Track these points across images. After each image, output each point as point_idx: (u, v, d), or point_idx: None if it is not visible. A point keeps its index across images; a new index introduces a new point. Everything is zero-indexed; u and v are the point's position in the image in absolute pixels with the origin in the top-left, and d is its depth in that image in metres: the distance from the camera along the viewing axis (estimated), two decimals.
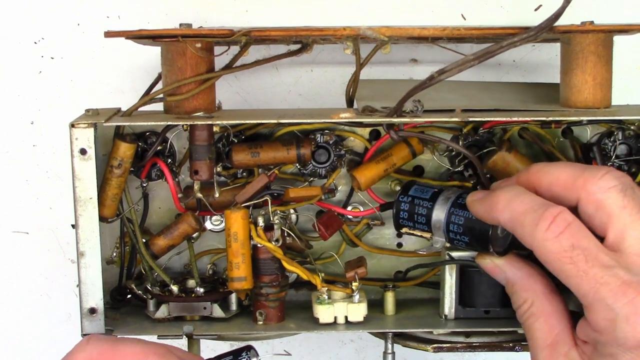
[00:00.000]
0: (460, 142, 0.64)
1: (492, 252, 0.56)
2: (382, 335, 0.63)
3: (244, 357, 0.56)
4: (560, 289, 0.53)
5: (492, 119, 0.57)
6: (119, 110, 0.63)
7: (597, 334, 0.48)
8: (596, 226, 0.49)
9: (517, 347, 0.61)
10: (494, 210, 0.52)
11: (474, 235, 0.57)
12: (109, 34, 0.58)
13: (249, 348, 0.57)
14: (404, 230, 0.61)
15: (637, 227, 0.48)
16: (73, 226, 0.59)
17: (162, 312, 0.62)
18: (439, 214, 0.59)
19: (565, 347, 0.51)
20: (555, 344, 0.51)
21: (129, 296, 0.66)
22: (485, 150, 0.62)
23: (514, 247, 0.56)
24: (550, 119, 0.59)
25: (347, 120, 0.58)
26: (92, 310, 0.59)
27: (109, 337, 0.56)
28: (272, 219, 0.61)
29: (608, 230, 0.49)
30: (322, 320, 0.61)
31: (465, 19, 0.72)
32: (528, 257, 0.54)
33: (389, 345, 0.62)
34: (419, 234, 0.60)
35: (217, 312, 0.62)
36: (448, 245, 0.59)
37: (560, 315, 0.52)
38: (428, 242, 0.61)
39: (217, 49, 0.62)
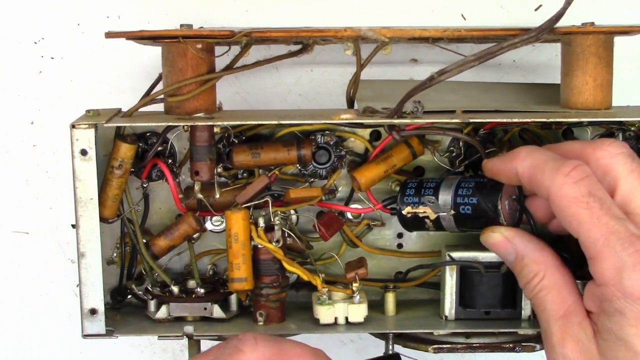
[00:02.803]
0: (461, 143, 0.64)
1: (501, 222, 0.56)
2: (383, 336, 0.63)
3: None
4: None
5: (492, 120, 0.57)
6: (119, 110, 0.63)
7: (603, 287, 0.48)
8: None
9: (517, 348, 0.61)
10: (515, 158, 0.53)
11: (483, 194, 0.57)
12: (109, 35, 0.58)
13: (397, 356, 0.57)
14: (406, 210, 0.60)
15: None
16: (73, 226, 0.59)
17: (163, 312, 0.62)
18: (447, 183, 0.59)
19: (579, 317, 0.51)
20: (568, 315, 0.51)
21: (129, 297, 0.66)
22: (486, 152, 0.62)
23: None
24: (551, 120, 0.59)
25: (347, 121, 0.58)
26: (93, 311, 0.59)
27: (270, 336, 0.52)
28: (272, 220, 0.61)
29: (615, 193, 0.51)
30: (322, 321, 0.61)
31: (465, 19, 0.72)
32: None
33: (390, 346, 0.62)
34: (422, 210, 0.59)
35: (218, 312, 0.62)
36: (453, 213, 0.58)
37: (571, 287, 0.52)
38: (431, 231, 0.61)
39: (218, 50, 0.62)
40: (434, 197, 0.59)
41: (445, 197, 0.59)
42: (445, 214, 0.58)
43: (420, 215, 0.59)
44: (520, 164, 0.53)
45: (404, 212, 0.60)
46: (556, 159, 0.51)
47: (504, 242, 0.55)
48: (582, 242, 0.49)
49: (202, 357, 0.52)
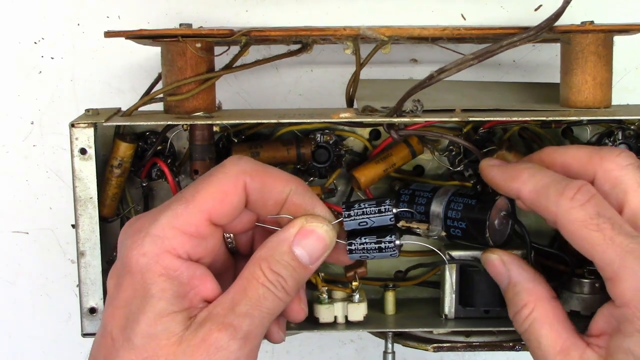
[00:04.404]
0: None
1: (490, 245, 0.56)
2: (382, 335, 0.63)
3: (387, 205, 0.53)
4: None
5: (492, 118, 0.57)
6: (119, 110, 0.63)
7: (623, 309, 0.47)
8: (612, 204, 0.50)
9: (517, 347, 0.61)
10: (516, 180, 0.52)
11: (470, 220, 0.57)
12: (109, 34, 0.58)
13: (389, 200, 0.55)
14: (401, 223, 0.60)
15: None
16: (73, 226, 0.59)
17: None
18: (438, 201, 0.59)
19: (579, 350, 0.50)
20: (567, 349, 0.50)
21: None
22: (485, 150, 0.62)
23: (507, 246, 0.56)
24: (550, 119, 0.59)
25: (347, 120, 0.58)
26: (92, 310, 0.59)
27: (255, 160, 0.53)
28: None
29: (625, 206, 0.50)
30: (322, 320, 0.61)
31: (465, 19, 0.72)
32: None
33: (389, 345, 0.62)
34: (415, 226, 0.59)
35: None
36: (444, 234, 0.59)
37: (564, 322, 0.51)
38: (425, 238, 0.61)
39: (217, 49, 0.62)
40: (425, 226, 0.59)
41: (436, 210, 0.59)
42: (436, 236, 0.59)
43: (415, 230, 0.60)
44: (523, 187, 0.52)
45: (398, 225, 0.60)
46: (559, 181, 0.50)
47: (500, 265, 0.55)
48: (598, 264, 0.48)
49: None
